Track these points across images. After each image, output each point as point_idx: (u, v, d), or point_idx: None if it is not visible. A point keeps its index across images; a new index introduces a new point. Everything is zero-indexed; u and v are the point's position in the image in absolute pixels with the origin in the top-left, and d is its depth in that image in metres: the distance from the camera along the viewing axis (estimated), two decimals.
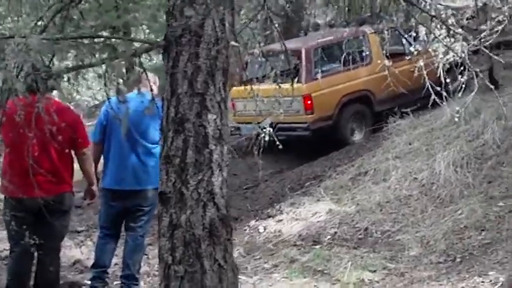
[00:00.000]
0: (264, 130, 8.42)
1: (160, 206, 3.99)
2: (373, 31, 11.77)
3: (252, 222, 9.38)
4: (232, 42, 3.95)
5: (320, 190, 9.78)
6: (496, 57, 7.48)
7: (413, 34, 8.76)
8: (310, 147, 12.26)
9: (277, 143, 7.35)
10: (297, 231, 8.70)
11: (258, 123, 7.94)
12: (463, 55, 6.53)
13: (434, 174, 9.03)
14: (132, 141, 6.70)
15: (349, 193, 9.50)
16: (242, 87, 11.09)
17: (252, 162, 11.88)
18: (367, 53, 12.53)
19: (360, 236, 8.27)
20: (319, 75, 12.07)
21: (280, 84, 6.90)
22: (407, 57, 9.39)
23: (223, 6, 3.88)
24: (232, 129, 12.78)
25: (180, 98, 3.88)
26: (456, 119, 8.72)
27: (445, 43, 6.75)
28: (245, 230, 9.20)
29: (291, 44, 11.64)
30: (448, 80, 7.42)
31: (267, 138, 8.55)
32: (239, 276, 7.78)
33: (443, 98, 7.06)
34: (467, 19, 17.59)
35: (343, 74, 12.41)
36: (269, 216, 9.40)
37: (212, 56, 3.88)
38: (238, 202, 10.68)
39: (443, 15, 6.60)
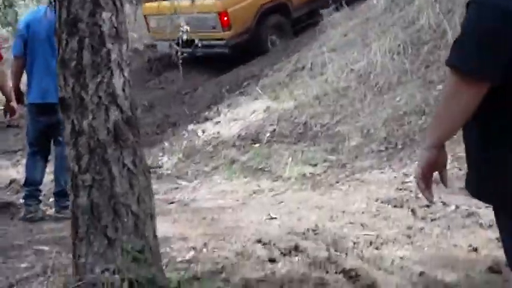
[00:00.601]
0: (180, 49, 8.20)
1: (62, 113, 3.71)
2: None
3: (191, 126, 9.16)
4: None
5: (257, 89, 9.57)
6: None
7: None
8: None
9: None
10: (235, 132, 8.52)
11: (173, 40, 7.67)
12: None
13: (371, 64, 8.85)
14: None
15: (286, 89, 9.30)
16: (154, 3, 10.80)
17: (189, 68, 11.67)
18: None
19: (299, 131, 8.12)
20: None
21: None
22: None
23: None
24: (149, 46, 12.64)
25: None
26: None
27: None
28: (184, 134, 8.99)
29: None
30: None
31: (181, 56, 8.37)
32: (179, 181, 7.68)
33: None
34: None
35: None
36: (207, 119, 9.20)
37: None
38: (176, 107, 10.46)
39: None
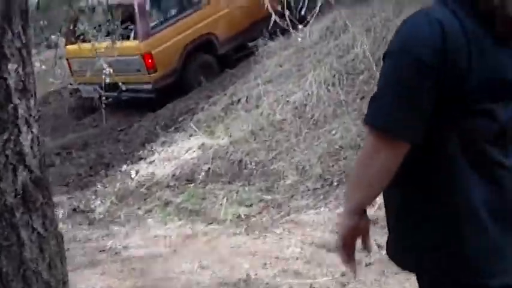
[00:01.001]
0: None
1: None
2: None
3: (124, 167, 8.88)
4: None
5: (191, 125, 9.33)
6: None
7: None
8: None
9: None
10: (170, 172, 8.26)
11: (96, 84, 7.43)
12: None
13: (307, 95, 8.69)
14: None
15: (222, 124, 9.09)
16: (75, 46, 10.48)
17: (123, 105, 11.44)
18: None
19: (234, 170, 7.91)
20: (157, 29, 11.41)
21: (116, 42, 6.29)
22: None
23: None
24: (72, 90, 12.21)
25: None
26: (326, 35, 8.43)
27: None
28: (117, 176, 8.69)
29: None
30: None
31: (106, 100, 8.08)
32: (112, 227, 7.39)
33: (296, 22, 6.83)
34: None
35: (183, 22, 11.66)
36: (141, 159, 8.92)
37: None
38: (110, 146, 10.17)
39: None
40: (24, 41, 3.39)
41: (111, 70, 7.04)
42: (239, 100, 9.54)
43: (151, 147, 9.15)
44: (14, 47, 3.35)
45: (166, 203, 7.57)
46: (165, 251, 6.21)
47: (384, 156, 2.12)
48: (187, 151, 8.59)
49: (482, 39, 2.08)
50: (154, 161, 8.67)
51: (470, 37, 2.06)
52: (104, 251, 6.53)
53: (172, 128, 9.74)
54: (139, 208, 7.69)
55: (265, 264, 5.39)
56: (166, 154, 8.74)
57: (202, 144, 8.59)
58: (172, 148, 8.83)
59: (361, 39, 9.18)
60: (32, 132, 3.43)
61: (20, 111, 3.38)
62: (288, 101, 8.79)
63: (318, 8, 7.28)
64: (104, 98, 9.36)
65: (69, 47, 11.31)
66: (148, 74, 11.26)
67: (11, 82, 3.35)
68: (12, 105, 3.36)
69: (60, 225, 7.53)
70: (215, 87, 10.98)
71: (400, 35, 2.14)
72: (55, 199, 8.03)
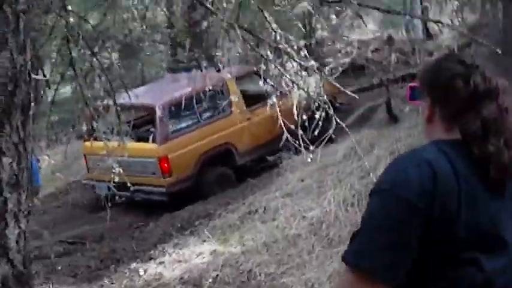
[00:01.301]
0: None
1: None
2: (231, 77, 10.84)
3: (133, 265, 8.80)
4: (36, 76, 3.44)
5: (207, 230, 9.29)
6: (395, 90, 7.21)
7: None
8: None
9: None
10: (178, 274, 8.16)
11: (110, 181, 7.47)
12: (314, 90, 6.20)
13: (324, 213, 8.64)
14: None
15: (237, 233, 9.03)
16: (94, 142, 10.52)
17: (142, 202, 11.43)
18: (227, 103, 11.68)
19: (242, 279, 7.79)
20: (176, 134, 11.38)
21: (133, 143, 6.32)
22: (269, 102, 8.51)
23: (25, 35, 3.36)
24: (87, 186, 12.18)
25: None
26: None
27: (289, 77, 6.33)
28: (125, 273, 8.61)
29: (144, 98, 10.94)
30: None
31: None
32: None
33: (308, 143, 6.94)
34: (371, 51, 17.69)
35: (203, 129, 11.63)
36: (151, 258, 8.84)
37: (8, 92, 3.34)
38: (124, 242, 10.13)
39: (294, 47, 6.19)
40: (21, 136, 3.43)
41: (121, 170, 7.02)
42: (257, 210, 9.51)
43: (163, 248, 9.08)
44: (11, 142, 3.39)
45: None
46: None
47: None
48: (198, 255, 8.51)
49: (474, 185, 2.05)
50: (164, 262, 8.59)
51: (461, 182, 2.03)
52: None
53: (188, 231, 9.70)
54: None
55: None
56: (177, 256, 8.66)
57: (214, 250, 8.52)
58: (183, 251, 8.76)
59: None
60: (19, 227, 3.43)
61: (10, 205, 3.39)
62: (304, 217, 8.74)
63: (331, 131, 7.32)
64: (116, 197, 9.34)
65: (87, 143, 11.30)
66: (163, 177, 11.18)
67: (4, 176, 3.38)
68: (2, 198, 3.38)
69: None
70: (236, 194, 10.97)
71: (389, 174, 2.10)
72: None
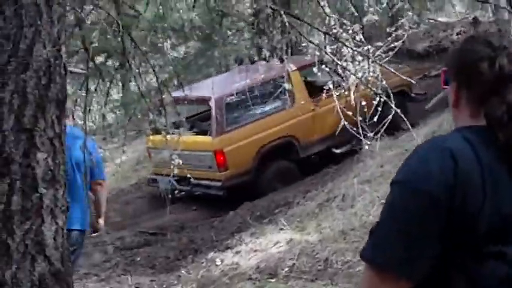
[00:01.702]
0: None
1: None
2: (295, 68, 10.54)
3: (211, 254, 8.77)
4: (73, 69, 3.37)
5: (285, 218, 9.17)
6: None
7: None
8: None
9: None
10: (254, 264, 8.07)
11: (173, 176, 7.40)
12: (371, 75, 5.97)
13: None
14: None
15: (314, 221, 8.87)
16: (155, 137, 10.44)
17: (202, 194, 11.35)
18: (289, 94, 11.34)
19: (319, 268, 7.63)
20: (233, 127, 11.07)
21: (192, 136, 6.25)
22: (334, 93, 8.07)
23: (59, 27, 3.28)
24: (150, 181, 12.02)
25: (5, 134, 3.27)
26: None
27: (342, 64, 6.10)
28: (202, 263, 8.59)
29: (200, 91, 10.64)
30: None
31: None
32: None
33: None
34: (457, 34, 17.24)
35: (262, 122, 11.28)
36: (228, 248, 8.79)
37: (42, 86, 3.27)
38: (204, 232, 10.13)
39: (349, 32, 5.94)
40: (57, 131, 3.36)
41: (180, 161, 6.91)
42: (335, 197, 9.33)
43: (240, 237, 9.02)
44: (46, 137, 3.32)
45: None
46: None
47: None
48: (274, 244, 8.39)
49: (498, 174, 1.88)
50: (240, 251, 8.52)
51: (485, 172, 1.87)
52: None
53: (267, 220, 9.60)
54: None
55: None
56: (253, 245, 8.57)
57: (291, 239, 8.39)
58: (260, 240, 8.66)
59: None
60: (56, 223, 3.36)
61: (46, 201, 3.33)
62: (382, 203, 8.50)
63: (389, 118, 7.09)
64: (176, 191, 9.25)
65: (151, 137, 11.28)
66: (219, 171, 10.96)
67: (39, 171, 3.31)
68: (37, 194, 3.32)
69: None
70: (317, 181, 10.82)
71: (409, 165, 1.96)
72: (136, 281, 8.02)
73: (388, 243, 1.90)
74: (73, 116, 5.89)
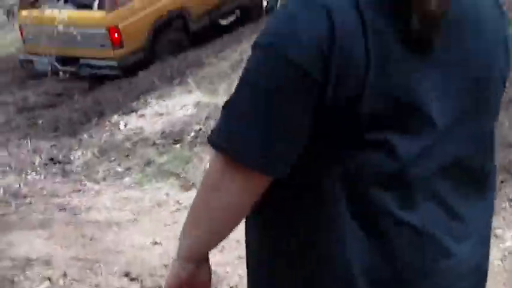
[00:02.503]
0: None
1: None
2: None
3: (115, 117, 8.27)
4: None
5: (189, 80, 8.68)
6: None
7: None
8: None
9: None
10: (159, 128, 7.63)
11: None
12: None
13: None
14: None
15: (227, 82, 8.39)
16: (32, 11, 9.48)
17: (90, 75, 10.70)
18: None
19: None
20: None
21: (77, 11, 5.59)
22: None
23: None
24: (24, 62, 10.88)
25: None
26: None
27: None
28: (106, 126, 8.11)
29: None
30: None
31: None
32: (85, 182, 6.85)
33: None
34: None
35: None
36: (132, 111, 8.29)
37: None
38: (111, 93, 9.56)
39: None
40: None
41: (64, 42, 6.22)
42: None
43: (146, 100, 8.51)
44: None
45: (148, 162, 6.99)
46: (125, 219, 5.67)
47: (235, 189, 1.50)
48: (181, 108, 7.95)
49: (389, 43, 1.41)
50: (145, 115, 8.06)
51: (371, 39, 1.40)
52: (64, 209, 6.02)
53: (177, 80, 9.06)
54: (119, 164, 7.13)
55: (223, 247, 4.79)
56: (159, 108, 8.10)
57: (198, 102, 7.94)
58: (167, 103, 8.20)
59: None
60: None
61: None
62: None
63: None
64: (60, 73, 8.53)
65: (24, 11, 10.26)
66: (114, 49, 10.14)
67: None
68: None
69: (33, 174, 7.06)
70: (232, 39, 10.32)
71: (271, 23, 1.50)
72: (36, 145, 7.56)
73: (246, 123, 1.45)
74: None
